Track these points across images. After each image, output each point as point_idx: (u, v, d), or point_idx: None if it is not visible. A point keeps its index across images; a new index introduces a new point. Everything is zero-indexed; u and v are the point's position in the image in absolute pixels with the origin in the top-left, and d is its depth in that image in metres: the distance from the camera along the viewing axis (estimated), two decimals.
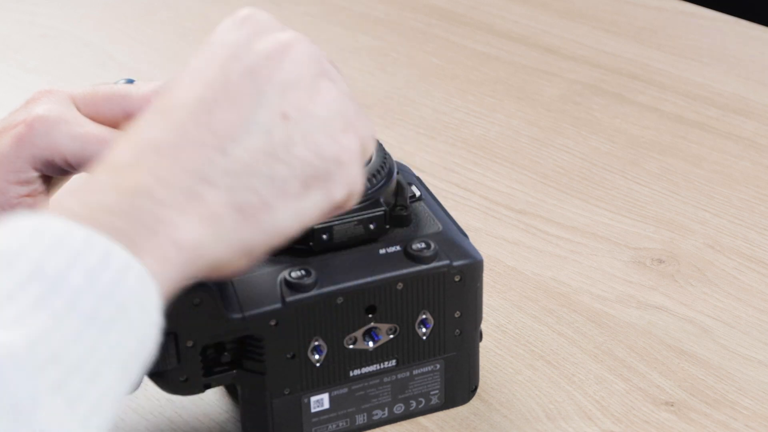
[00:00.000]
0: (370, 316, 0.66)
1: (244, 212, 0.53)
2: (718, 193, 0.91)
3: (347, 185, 0.56)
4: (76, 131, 0.65)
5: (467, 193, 0.92)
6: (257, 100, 0.54)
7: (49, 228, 0.47)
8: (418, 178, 0.73)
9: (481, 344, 0.76)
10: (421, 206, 0.70)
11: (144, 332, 0.48)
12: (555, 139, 0.98)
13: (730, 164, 0.94)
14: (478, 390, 0.72)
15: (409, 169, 0.74)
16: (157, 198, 0.51)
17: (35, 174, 0.67)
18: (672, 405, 0.72)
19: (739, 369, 0.74)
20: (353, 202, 0.57)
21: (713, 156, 0.96)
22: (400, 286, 0.66)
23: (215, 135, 0.53)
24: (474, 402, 0.72)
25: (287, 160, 0.54)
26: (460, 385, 0.71)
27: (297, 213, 0.55)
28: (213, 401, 0.72)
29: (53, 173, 0.67)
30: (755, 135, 0.98)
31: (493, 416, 0.71)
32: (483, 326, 0.77)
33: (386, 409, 0.70)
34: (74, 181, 0.57)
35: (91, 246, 0.47)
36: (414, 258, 0.66)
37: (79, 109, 0.67)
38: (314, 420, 0.68)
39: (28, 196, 0.67)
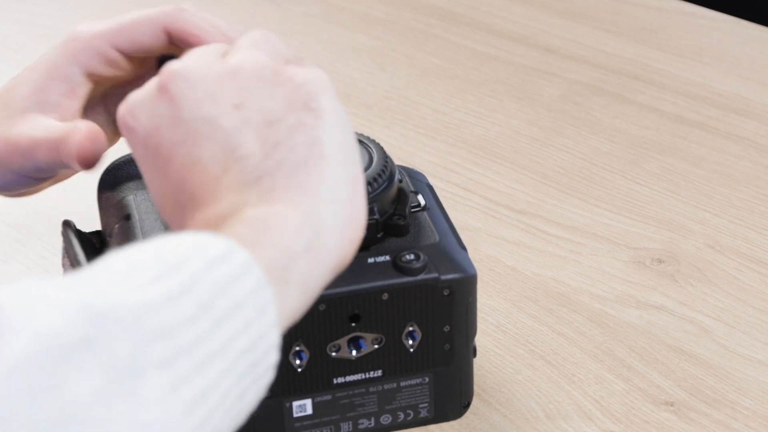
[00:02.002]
0: (353, 324, 0.65)
1: (308, 163, 0.52)
2: (718, 193, 0.91)
3: (325, 84, 0.56)
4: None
5: (467, 193, 0.92)
6: (208, 121, 0.54)
7: (166, 237, 0.48)
8: (431, 187, 0.72)
9: (481, 344, 0.76)
10: (423, 216, 0.68)
11: (257, 335, 0.48)
12: (555, 139, 0.98)
13: (730, 164, 0.94)
14: (479, 390, 0.72)
15: (423, 177, 0.73)
16: (238, 208, 0.51)
17: (77, 70, 0.68)
18: (672, 405, 0.72)
19: (739, 369, 0.74)
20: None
21: (713, 156, 0.96)
22: (385, 296, 0.65)
23: (221, 162, 0.53)
24: (474, 401, 0.72)
25: (280, 116, 0.54)
26: (450, 400, 0.69)
27: (334, 123, 0.55)
28: None
29: (94, 79, 0.68)
30: (755, 135, 0.98)
31: (493, 416, 0.71)
32: (483, 326, 0.77)
33: (372, 419, 0.69)
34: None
35: (211, 241, 0.48)
36: (401, 269, 0.65)
37: (117, 48, 0.68)
38: (297, 425, 0.67)
39: (67, 93, 0.68)
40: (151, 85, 0.57)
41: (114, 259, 0.47)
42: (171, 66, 0.56)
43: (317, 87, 0.56)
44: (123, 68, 0.67)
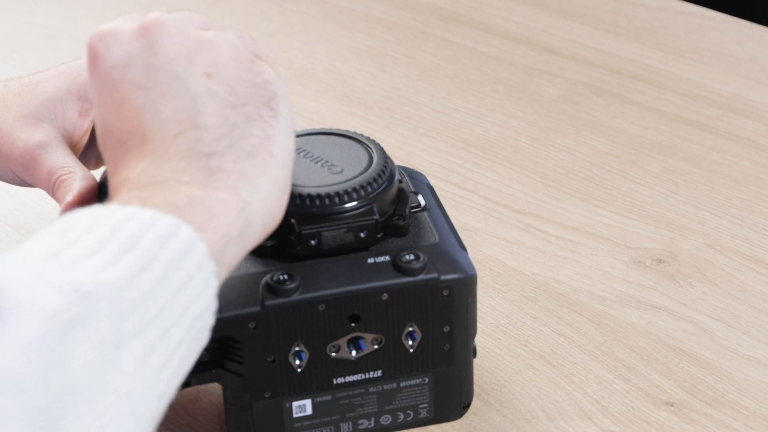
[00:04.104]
0: (353, 325, 0.65)
1: (257, 155, 0.56)
2: (718, 193, 0.91)
3: (285, 92, 0.60)
4: None
5: (467, 193, 0.92)
6: (180, 78, 0.57)
7: (120, 208, 0.51)
8: (431, 187, 0.72)
9: (481, 344, 0.76)
10: (423, 216, 0.68)
11: (204, 305, 0.52)
12: (555, 139, 0.98)
13: (730, 164, 0.94)
14: (479, 390, 0.72)
15: (423, 177, 0.73)
16: (184, 180, 0.54)
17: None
18: (672, 405, 0.72)
19: (739, 369, 0.74)
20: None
21: (713, 156, 0.96)
22: (385, 296, 0.64)
23: (180, 122, 0.56)
24: (474, 401, 0.72)
25: (243, 101, 0.58)
26: (450, 400, 0.69)
27: (286, 128, 0.59)
28: (214, 400, 0.72)
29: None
30: (755, 135, 0.98)
31: (493, 416, 0.71)
32: (483, 326, 0.77)
33: (372, 419, 0.69)
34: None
35: (158, 219, 0.51)
36: (401, 269, 0.65)
37: None
38: (297, 425, 0.67)
39: (82, 112, 0.72)
40: (131, 23, 0.59)
41: (73, 232, 0.50)
42: (157, 14, 0.59)
43: (280, 90, 0.59)
44: None
